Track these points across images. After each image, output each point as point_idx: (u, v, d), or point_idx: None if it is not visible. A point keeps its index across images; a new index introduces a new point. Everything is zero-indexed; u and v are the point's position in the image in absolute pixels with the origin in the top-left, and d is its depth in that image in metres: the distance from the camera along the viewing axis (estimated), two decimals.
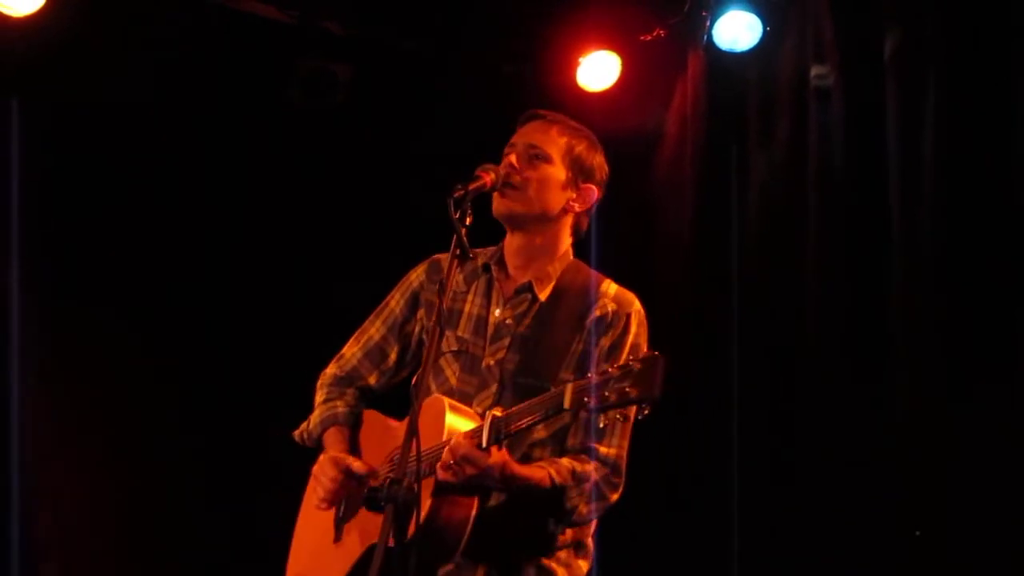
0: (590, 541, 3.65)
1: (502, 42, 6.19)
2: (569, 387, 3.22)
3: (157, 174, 5.97)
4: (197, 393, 6.02)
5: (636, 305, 3.67)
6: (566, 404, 3.21)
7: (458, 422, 3.42)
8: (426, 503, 3.30)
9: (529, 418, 3.29)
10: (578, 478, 3.46)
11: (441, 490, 3.34)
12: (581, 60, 6.01)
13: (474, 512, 3.36)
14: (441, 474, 3.31)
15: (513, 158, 3.64)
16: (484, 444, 3.30)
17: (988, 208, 4.84)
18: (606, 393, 3.12)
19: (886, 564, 4.88)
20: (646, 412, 3.13)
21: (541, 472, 3.44)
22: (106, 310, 5.86)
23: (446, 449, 3.32)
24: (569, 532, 3.57)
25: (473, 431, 3.34)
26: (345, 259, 6.18)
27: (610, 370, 3.14)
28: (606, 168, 3.78)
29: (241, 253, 6.17)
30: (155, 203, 5.96)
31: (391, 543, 3.02)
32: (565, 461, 3.49)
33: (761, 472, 5.36)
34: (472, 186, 3.44)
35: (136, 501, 5.92)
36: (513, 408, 3.35)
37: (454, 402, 3.49)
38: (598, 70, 6.02)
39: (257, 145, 6.15)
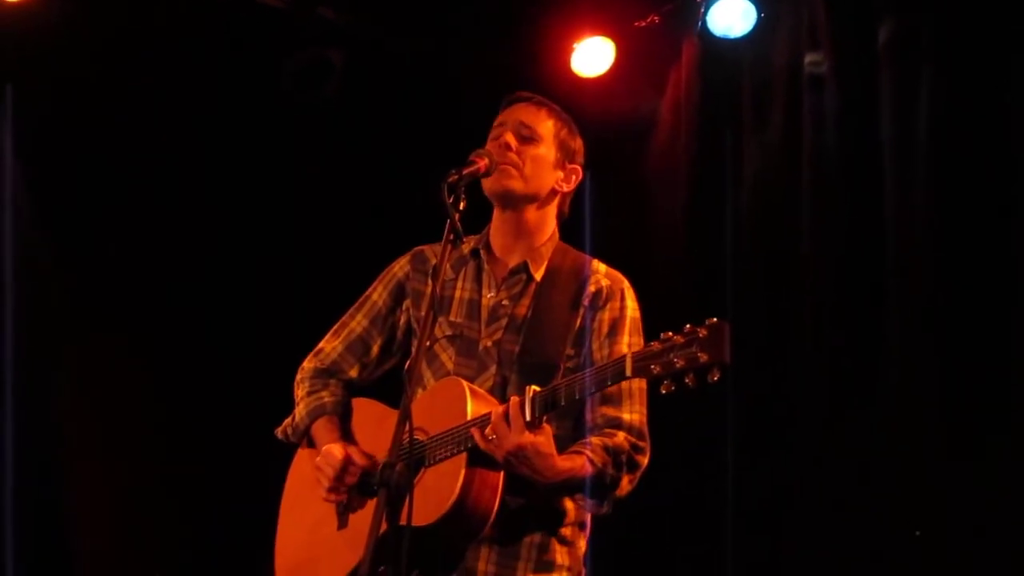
0: (588, 518, 3.67)
1: (496, 28, 6.18)
2: (629, 356, 3.26)
3: (149, 161, 5.96)
4: (184, 385, 6.00)
5: (626, 281, 3.73)
6: (628, 372, 3.25)
7: (480, 404, 3.44)
8: (458, 481, 3.34)
9: (582, 390, 3.32)
10: (613, 453, 3.49)
11: (474, 464, 3.36)
12: (575, 46, 6.00)
13: (500, 489, 3.40)
14: (483, 445, 3.34)
15: (509, 137, 3.67)
16: (529, 418, 3.32)
17: (982, 195, 4.85)
18: (673, 359, 3.15)
19: (886, 564, 4.89)
20: (716, 378, 3.13)
21: (580, 459, 3.45)
22: (97, 301, 5.86)
23: (491, 417, 3.34)
24: (573, 510, 3.60)
25: (515, 402, 3.35)
26: (337, 249, 6.17)
27: (673, 337, 3.18)
28: (583, 146, 3.83)
29: (233, 242, 6.16)
30: (146, 190, 5.95)
31: (384, 527, 3.04)
32: (595, 440, 3.51)
33: (756, 467, 5.36)
34: (466, 171, 3.45)
35: (131, 500, 5.93)
36: (560, 382, 3.37)
37: (472, 385, 3.50)
38: (592, 56, 6.01)
39: (250, 133, 6.14)
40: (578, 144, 3.80)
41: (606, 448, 3.49)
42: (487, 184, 3.63)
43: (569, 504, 3.60)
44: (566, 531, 3.60)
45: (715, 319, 3.14)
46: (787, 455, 5.32)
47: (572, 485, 3.46)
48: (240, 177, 6.16)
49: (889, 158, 5.12)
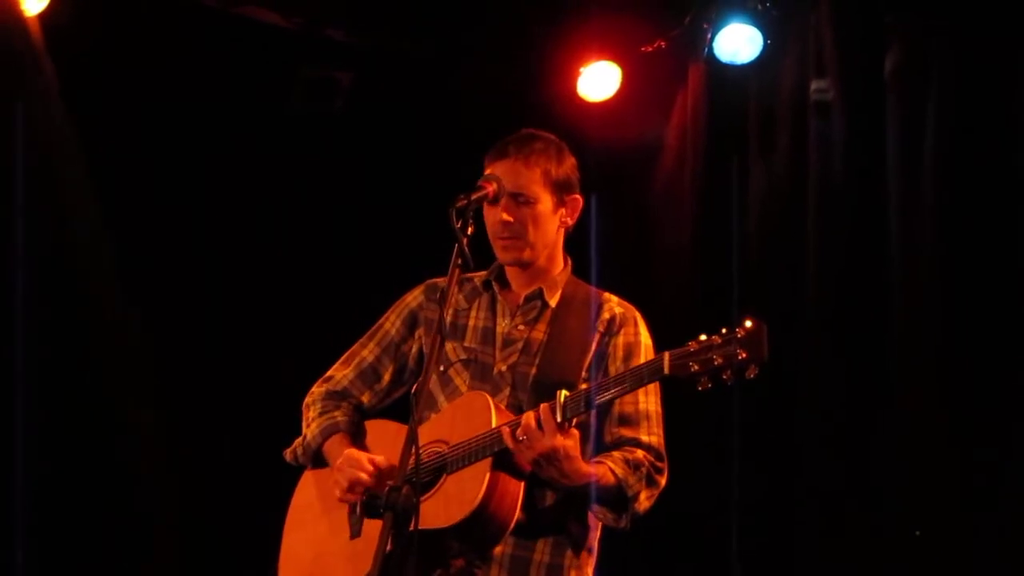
0: (596, 544, 3.70)
1: (503, 52, 6.20)
2: (666, 355, 3.34)
3: (158, 178, 5.97)
4: (186, 400, 6.00)
5: (638, 312, 3.78)
6: (666, 371, 3.33)
7: (503, 417, 3.49)
8: (483, 483, 3.38)
9: (617, 389, 3.41)
10: (633, 465, 3.54)
11: (498, 470, 3.41)
12: (582, 70, 6.02)
13: (521, 498, 3.44)
14: (512, 446, 3.39)
15: (505, 215, 3.66)
16: (560, 419, 3.38)
17: (988, 221, 4.86)
18: (711, 356, 3.26)
19: (886, 564, 4.89)
20: (753, 375, 3.24)
21: (602, 467, 3.51)
22: (103, 312, 5.87)
23: (523, 418, 3.39)
24: (583, 534, 3.63)
25: (545, 407, 3.39)
26: (344, 267, 6.18)
27: (712, 338, 3.28)
28: (576, 164, 3.82)
29: (239, 259, 6.16)
30: (156, 207, 5.96)
31: (391, 548, 3.05)
32: (616, 453, 3.56)
33: (761, 479, 5.37)
34: (474, 196, 3.49)
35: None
36: (591, 384, 3.44)
37: (496, 400, 3.55)
38: (599, 81, 6.03)
39: (258, 151, 6.15)
40: (569, 166, 3.78)
41: (627, 461, 3.54)
42: (500, 256, 3.72)
43: (580, 528, 3.62)
44: (576, 555, 3.62)
45: (752, 320, 3.26)
46: (792, 471, 5.31)
47: (593, 492, 3.50)
48: (247, 192, 6.16)
49: (894, 184, 5.14)
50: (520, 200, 3.68)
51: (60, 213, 5.73)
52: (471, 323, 3.75)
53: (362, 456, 3.63)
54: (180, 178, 5.99)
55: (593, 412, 3.54)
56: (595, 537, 3.68)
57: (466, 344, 3.72)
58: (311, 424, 3.84)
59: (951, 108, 4.98)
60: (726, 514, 5.37)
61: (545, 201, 3.71)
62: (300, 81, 6.20)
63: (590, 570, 3.67)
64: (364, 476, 3.58)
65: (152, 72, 5.81)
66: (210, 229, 6.08)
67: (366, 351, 3.88)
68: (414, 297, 3.87)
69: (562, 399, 3.38)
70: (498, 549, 3.50)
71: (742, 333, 3.24)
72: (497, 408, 3.51)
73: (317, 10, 6.04)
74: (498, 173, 3.69)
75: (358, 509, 3.62)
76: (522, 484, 3.45)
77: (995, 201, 4.87)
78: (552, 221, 3.73)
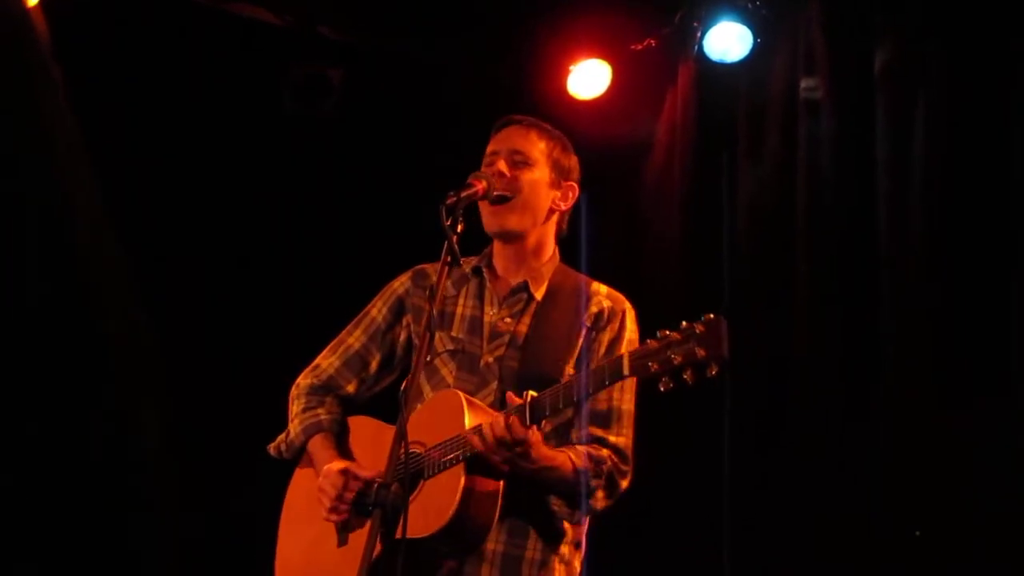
0: (584, 538, 3.70)
1: (494, 49, 6.20)
2: (626, 354, 3.28)
3: (147, 177, 5.95)
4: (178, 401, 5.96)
5: (627, 303, 3.75)
6: (625, 371, 3.26)
7: (478, 414, 3.46)
8: (458, 491, 3.35)
9: (579, 392, 3.34)
10: (595, 461, 3.51)
11: (473, 473, 3.38)
12: (572, 68, 6.03)
13: (500, 498, 3.41)
14: (480, 447, 3.34)
15: (502, 164, 3.68)
16: (528, 423, 3.34)
17: (978, 222, 4.87)
18: (670, 355, 3.16)
19: (886, 564, 4.90)
20: (714, 373, 3.14)
21: (562, 456, 3.48)
22: (105, 310, 5.83)
23: (488, 425, 3.35)
24: (571, 529, 3.62)
25: (512, 410, 3.36)
26: (335, 265, 6.18)
27: (671, 334, 3.19)
28: (577, 162, 3.85)
29: (231, 257, 6.16)
30: (145, 206, 5.94)
31: (380, 547, 3.04)
32: (581, 447, 3.54)
33: (753, 475, 5.37)
34: (464, 193, 3.47)
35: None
36: (556, 386, 3.39)
37: (469, 396, 3.51)
38: (589, 78, 6.04)
39: (249, 150, 6.14)
40: (573, 161, 3.82)
41: (590, 456, 3.52)
42: (486, 223, 3.68)
43: (567, 524, 3.62)
44: (564, 549, 3.63)
45: (712, 315, 3.17)
46: (786, 467, 5.31)
47: (551, 478, 3.47)
48: (238, 191, 6.16)
49: (883, 182, 5.14)
50: (518, 159, 3.70)
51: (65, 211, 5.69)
52: (459, 311, 3.73)
53: (341, 473, 3.58)
54: (170, 175, 5.98)
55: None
56: (582, 531, 3.68)
57: (453, 334, 3.69)
58: (294, 420, 3.83)
59: (940, 107, 4.98)
60: (718, 515, 5.37)
61: (542, 170, 3.72)
62: (292, 79, 6.19)
63: (578, 563, 3.67)
64: (342, 494, 3.56)
65: (140, 68, 5.79)
66: (201, 227, 6.07)
67: (352, 338, 3.86)
68: (401, 283, 3.86)
69: (527, 399, 3.35)
70: (489, 547, 3.49)
71: (700, 329, 3.14)
72: (471, 405, 3.47)
73: (309, 8, 6.04)
74: (500, 137, 3.72)
75: (346, 517, 3.60)
76: (501, 483, 3.42)
77: (985, 200, 4.87)
78: (545, 194, 3.72)
